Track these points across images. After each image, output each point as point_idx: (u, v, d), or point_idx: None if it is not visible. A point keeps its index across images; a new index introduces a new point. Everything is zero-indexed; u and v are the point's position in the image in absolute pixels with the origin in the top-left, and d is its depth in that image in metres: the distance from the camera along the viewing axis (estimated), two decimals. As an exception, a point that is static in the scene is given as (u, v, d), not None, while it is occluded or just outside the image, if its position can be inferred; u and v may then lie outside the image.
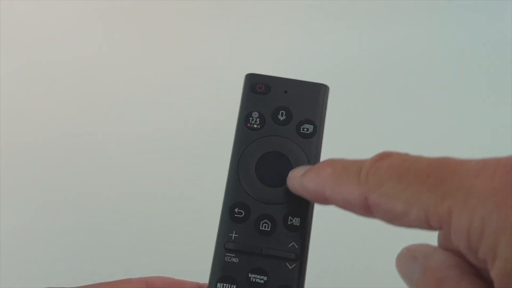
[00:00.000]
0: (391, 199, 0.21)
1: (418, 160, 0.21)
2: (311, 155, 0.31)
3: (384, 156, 0.23)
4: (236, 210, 0.30)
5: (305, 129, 0.31)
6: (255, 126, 0.31)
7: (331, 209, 0.26)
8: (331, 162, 0.25)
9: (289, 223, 0.29)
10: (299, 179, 0.28)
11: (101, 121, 0.77)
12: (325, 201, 0.25)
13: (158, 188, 0.72)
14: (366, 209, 0.23)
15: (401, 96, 0.79)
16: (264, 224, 0.29)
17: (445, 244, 0.23)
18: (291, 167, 0.30)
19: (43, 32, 0.83)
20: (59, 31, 0.83)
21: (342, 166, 0.24)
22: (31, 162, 0.74)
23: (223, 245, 0.29)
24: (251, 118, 0.31)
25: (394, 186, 0.21)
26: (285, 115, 0.31)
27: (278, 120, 0.31)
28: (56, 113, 0.77)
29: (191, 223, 0.69)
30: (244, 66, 0.74)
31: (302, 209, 0.30)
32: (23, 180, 0.72)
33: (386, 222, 0.22)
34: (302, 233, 0.29)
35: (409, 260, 0.24)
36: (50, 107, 0.77)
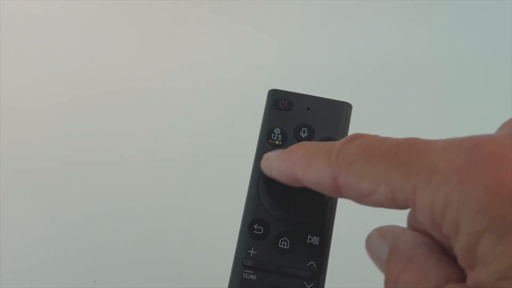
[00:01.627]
0: (359, 178, 0.21)
1: (387, 140, 0.22)
2: None
3: (354, 138, 0.23)
4: (255, 226, 0.29)
5: None
6: (277, 142, 0.31)
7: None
8: (303, 144, 0.26)
9: (308, 241, 0.29)
10: (272, 160, 0.27)
11: (101, 121, 0.77)
12: (297, 182, 0.25)
13: (159, 189, 0.72)
14: (336, 189, 0.23)
15: (401, 96, 0.79)
16: (283, 242, 0.29)
17: (413, 224, 0.24)
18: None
19: (43, 32, 0.83)
20: (60, 31, 0.83)
21: (313, 148, 0.24)
22: (30, 162, 0.74)
23: (241, 262, 0.29)
24: (273, 134, 0.31)
25: (363, 165, 0.21)
26: (307, 132, 0.31)
27: (300, 137, 0.31)
28: (57, 112, 0.77)
29: (193, 225, 0.69)
30: (244, 66, 0.74)
31: (322, 228, 0.30)
32: (23, 180, 0.73)
33: (356, 201, 0.22)
34: (322, 252, 0.29)
35: (379, 241, 0.24)
36: (51, 107, 0.77)
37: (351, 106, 0.32)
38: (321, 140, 0.31)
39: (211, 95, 0.78)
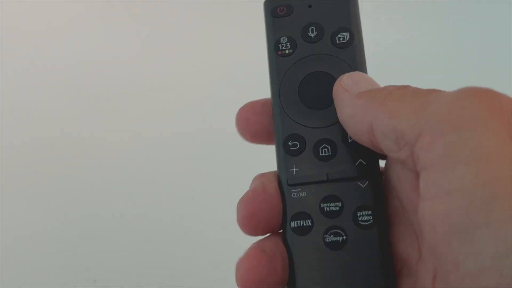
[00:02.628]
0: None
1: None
2: (356, 64, 0.28)
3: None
4: (290, 143, 0.28)
5: (341, 39, 0.28)
6: (287, 51, 0.29)
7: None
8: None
9: (350, 140, 0.27)
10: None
11: (101, 121, 0.76)
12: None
13: (160, 189, 0.71)
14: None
15: None
16: (323, 150, 0.27)
17: None
18: None
19: (43, 32, 0.82)
20: (60, 32, 0.82)
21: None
22: (31, 162, 0.73)
23: (286, 182, 0.27)
24: (280, 45, 0.29)
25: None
26: (315, 30, 0.29)
27: (310, 38, 0.29)
28: (57, 112, 0.76)
29: (193, 224, 0.68)
30: (246, 64, 0.72)
31: None
32: (23, 180, 0.72)
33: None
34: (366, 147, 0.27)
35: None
36: (51, 107, 0.77)
37: None
38: (333, 33, 0.29)
39: (213, 94, 0.77)
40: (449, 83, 0.83)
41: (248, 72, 0.77)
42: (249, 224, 0.26)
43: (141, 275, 0.66)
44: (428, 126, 0.21)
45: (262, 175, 0.28)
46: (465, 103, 0.20)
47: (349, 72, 0.28)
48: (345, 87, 0.26)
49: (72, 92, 0.78)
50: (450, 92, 0.21)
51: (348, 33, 0.28)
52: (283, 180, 0.27)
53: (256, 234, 0.26)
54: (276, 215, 0.26)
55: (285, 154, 0.27)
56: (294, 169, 0.27)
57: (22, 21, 0.82)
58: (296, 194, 0.27)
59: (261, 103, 0.29)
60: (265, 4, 0.30)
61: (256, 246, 0.26)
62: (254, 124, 0.28)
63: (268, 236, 0.27)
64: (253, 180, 0.28)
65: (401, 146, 0.22)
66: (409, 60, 0.81)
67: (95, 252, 0.68)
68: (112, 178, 0.72)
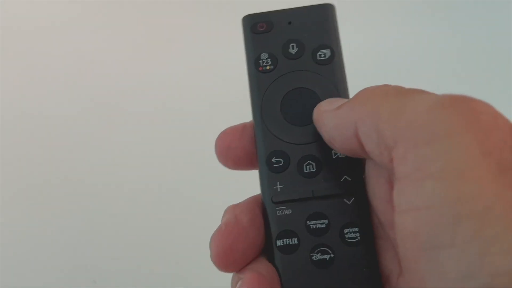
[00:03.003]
0: None
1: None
2: (337, 81, 0.28)
3: None
4: (273, 160, 0.27)
5: (322, 55, 0.28)
6: (268, 67, 0.29)
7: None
8: None
9: (334, 157, 0.27)
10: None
11: (102, 122, 0.76)
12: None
13: (160, 189, 0.71)
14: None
15: None
16: (308, 166, 0.27)
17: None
18: (319, 99, 0.28)
19: (44, 33, 0.81)
20: (61, 32, 0.82)
21: None
22: (31, 163, 0.73)
23: (271, 200, 0.27)
24: (261, 61, 0.29)
25: None
26: (296, 47, 0.29)
27: (291, 54, 0.29)
28: (57, 113, 0.76)
29: (191, 222, 0.68)
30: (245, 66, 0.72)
31: None
32: (23, 181, 0.72)
33: None
34: (351, 163, 0.27)
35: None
36: (52, 107, 0.77)
37: (334, 6, 0.30)
38: (314, 50, 0.29)
39: (214, 96, 0.76)
40: (449, 83, 0.83)
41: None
42: (224, 260, 0.25)
43: (141, 275, 0.67)
44: (403, 136, 0.20)
45: (235, 206, 0.27)
46: (440, 115, 0.20)
47: (331, 88, 0.28)
48: (324, 108, 0.26)
49: (72, 92, 0.78)
50: (428, 99, 0.21)
51: (329, 50, 0.28)
52: (266, 198, 0.27)
53: (232, 271, 0.26)
54: (252, 247, 0.26)
55: (268, 171, 0.27)
56: (278, 186, 0.27)
57: (22, 21, 0.82)
58: (281, 212, 0.27)
59: (241, 127, 0.28)
60: (244, 20, 0.30)
61: (251, 269, 0.25)
62: (236, 150, 0.28)
63: (256, 258, 0.27)
64: (225, 213, 0.27)
65: (382, 149, 0.22)
66: (409, 60, 0.80)
67: (95, 252, 0.68)
68: (112, 179, 0.72)
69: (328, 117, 0.25)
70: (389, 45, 0.81)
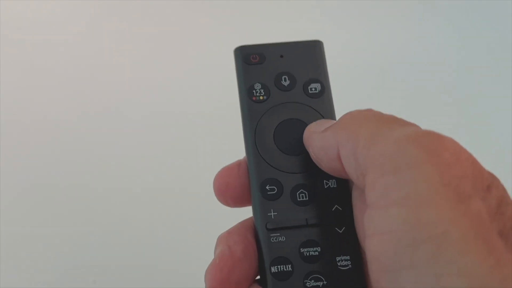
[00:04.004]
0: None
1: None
2: (327, 113, 0.30)
3: None
4: (267, 187, 0.28)
5: (313, 89, 0.30)
6: (261, 98, 0.30)
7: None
8: None
9: (326, 186, 0.28)
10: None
11: (102, 122, 0.76)
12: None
13: (160, 189, 0.71)
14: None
15: (401, 96, 0.79)
16: (301, 195, 0.28)
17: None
18: None
19: (44, 33, 0.81)
20: (61, 33, 0.81)
21: None
22: (30, 162, 0.73)
23: (265, 227, 0.28)
24: (254, 91, 0.30)
25: None
26: (288, 79, 0.30)
27: (283, 86, 0.30)
28: (58, 113, 0.76)
29: (194, 224, 0.69)
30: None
31: None
32: (22, 180, 0.72)
33: None
34: (342, 193, 0.28)
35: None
36: (51, 107, 0.77)
37: (322, 43, 0.31)
38: (305, 83, 0.30)
39: (216, 98, 0.77)
40: (449, 83, 0.83)
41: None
42: None
43: (141, 276, 0.67)
44: (373, 164, 0.22)
45: (227, 236, 0.28)
46: (407, 148, 0.21)
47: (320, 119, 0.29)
48: (313, 129, 0.28)
49: (73, 93, 0.77)
50: (400, 131, 0.22)
51: (319, 84, 0.30)
52: (260, 224, 0.28)
53: None
54: (246, 277, 0.27)
55: (262, 198, 0.28)
56: (272, 213, 0.28)
57: (23, 21, 0.82)
58: (275, 239, 0.27)
59: (236, 165, 0.29)
60: (236, 51, 0.31)
61: None
62: (234, 188, 0.29)
63: (250, 286, 0.27)
64: (218, 243, 0.28)
65: (358, 174, 0.23)
66: (409, 61, 0.81)
67: (95, 252, 0.68)
68: (113, 179, 0.72)
69: (316, 138, 0.27)
70: (389, 44, 0.82)
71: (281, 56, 0.30)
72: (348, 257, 0.27)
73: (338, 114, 0.30)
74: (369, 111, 0.25)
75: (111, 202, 0.71)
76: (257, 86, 0.30)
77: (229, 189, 0.29)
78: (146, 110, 0.77)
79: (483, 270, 0.18)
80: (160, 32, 0.82)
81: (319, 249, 0.27)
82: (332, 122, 0.27)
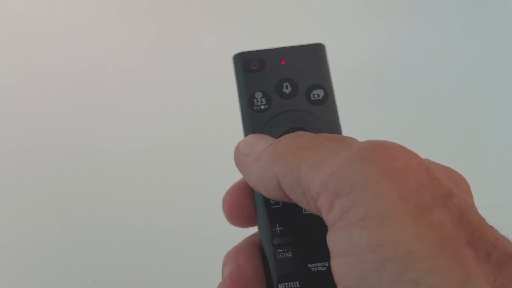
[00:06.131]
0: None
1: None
2: (331, 121, 0.28)
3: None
4: (271, 201, 0.27)
5: (316, 95, 0.28)
6: (263, 107, 0.28)
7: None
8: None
9: None
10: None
11: (102, 123, 0.76)
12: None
13: (160, 189, 0.71)
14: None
15: (401, 96, 0.78)
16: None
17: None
18: None
19: (45, 34, 0.80)
20: (62, 33, 0.81)
21: None
22: (30, 161, 0.73)
23: (271, 242, 0.27)
24: (255, 100, 0.28)
25: None
26: (290, 86, 0.29)
27: (284, 94, 0.28)
28: (58, 114, 0.76)
29: (194, 225, 0.68)
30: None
31: None
32: (22, 179, 0.72)
33: None
34: None
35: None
36: (51, 108, 0.76)
37: (324, 46, 0.30)
38: (307, 90, 0.28)
39: (217, 96, 0.76)
40: (449, 83, 0.83)
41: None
42: None
43: (141, 276, 0.67)
44: (325, 188, 0.21)
45: (235, 254, 0.27)
46: (357, 167, 0.20)
47: (325, 129, 0.28)
48: (244, 152, 0.26)
49: (73, 93, 0.77)
50: (344, 151, 0.21)
51: (322, 90, 0.28)
52: (266, 240, 0.27)
53: None
54: None
55: (267, 213, 0.27)
56: (278, 228, 0.27)
57: (23, 21, 0.81)
58: (282, 255, 0.26)
59: (244, 184, 0.28)
60: (235, 58, 0.29)
61: None
62: (246, 207, 0.28)
63: None
64: (226, 261, 0.27)
65: (308, 199, 0.22)
66: (408, 61, 0.80)
67: (95, 252, 0.69)
68: (113, 179, 0.72)
69: (249, 166, 0.25)
70: (387, 45, 0.81)
71: (282, 62, 0.29)
72: None
73: (343, 120, 0.29)
74: (298, 136, 0.24)
75: (112, 202, 0.71)
76: (258, 95, 0.29)
77: (240, 210, 0.28)
78: (148, 111, 0.77)
79: (453, 287, 0.18)
80: (160, 32, 0.82)
81: (327, 264, 0.26)
82: (262, 143, 0.26)
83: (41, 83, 0.78)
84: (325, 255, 0.26)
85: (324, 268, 0.26)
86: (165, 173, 0.72)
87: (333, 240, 0.21)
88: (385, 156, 0.21)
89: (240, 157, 0.26)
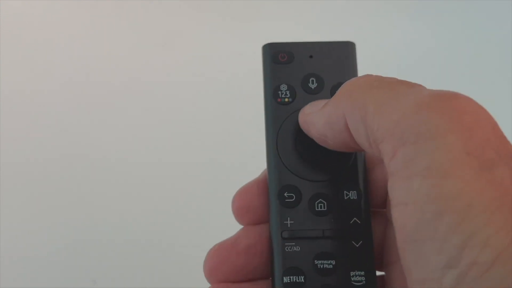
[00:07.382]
0: None
1: None
2: None
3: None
4: (285, 194, 0.27)
5: None
6: (286, 100, 0.28)
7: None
8: None
9: (345, 197, 0.27)
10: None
11: (103, 123, 0.75)
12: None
13: (160, 189, 0.71)
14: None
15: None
16: (319, 204, 0.27)
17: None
18: None
19: (45, 34, 0.80)
20: (62, 33, 0.81)
21: None
22: (30, 160, 0.73)
23: (280, 235, 0.27)
24: (280, 92, 0.29)
25: None
26: (316, 82, 0.29)
27: (310, 89, 0.28)
28: (58, 114, 0.76)
29: (194, 225, 0.68)
30: (247, 66, 0.72)
31: (356, 179, 0.27)
32: (21, 178, 0.72)
33: None
34: (362, 206, 0.27)
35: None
36: (51, 108, 0.76)
37: (355, 44, 0.30)
38: (333, 87, 0.28)
39: (215, 95, 0.76)
40: (449, 83, 0.82)
41: (251, 72, 0.77)
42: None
43: (141, 276, 0.66)
44: (390, 133, 0.21)
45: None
46: (424, 116, 0.20)
47: None
48: (309, 112, 0.27)
49: (73, 93, 0.77)
50: (413, 97, 0.21)
51: None
52: (275, 231, 0.27)
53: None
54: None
55: (280, 205, 0.27)
56: (288, 222, 0.27)
57: (23, 21, 0.81)
58: (290, 248, 0.26)
59: (255, 184, 0.28)
60: (265, 48, 0.30)
61: None
62: (257, 209, 0.28)
63: None
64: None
65: (370, 142, 0.23)
66: (408, 61, 0.80)
67: (95, 252, 0.68)
68: (113, 178, 0.72)
69: (316, 116, 0.26)
70: (387, 46, 0.81)
71: (310, 57, 0.29)
72: (362, 273, 0.26)
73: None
74: (368, 76, 0.24)
75: (112, 201, 0.70)
76: (283, 87, 0.29)
77: (251, 211, 0.28)
78: (151, 111, 0.76)
79: (508, 241, 0.18)
80: (161, 32, 0.82)
81: (333, 262, 0.26)
82: (326, 100, 0.26)
83: (41, 83, 0.78)
84: (332, 253, 0.26)
85: (331, 266, 0.26)
86: (165, 173, 0.72)
87: (395, 187, 0.21)
88: (455, 107, 0.20)
89: (305, 117, 0.27)
